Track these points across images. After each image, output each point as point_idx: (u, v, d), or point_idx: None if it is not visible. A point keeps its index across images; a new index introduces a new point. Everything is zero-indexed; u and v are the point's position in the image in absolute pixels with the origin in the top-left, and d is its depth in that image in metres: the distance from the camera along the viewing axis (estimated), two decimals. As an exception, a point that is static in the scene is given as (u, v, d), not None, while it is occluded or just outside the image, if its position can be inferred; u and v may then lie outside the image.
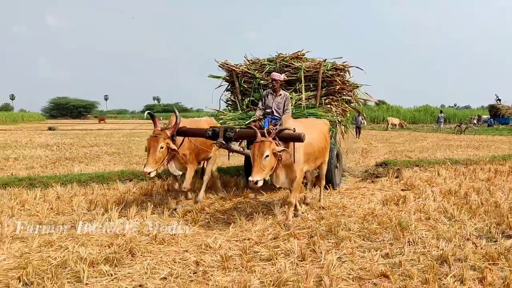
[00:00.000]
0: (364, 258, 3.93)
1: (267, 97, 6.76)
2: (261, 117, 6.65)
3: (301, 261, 3.87)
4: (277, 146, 4.76)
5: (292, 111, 6.90)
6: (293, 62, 7.69)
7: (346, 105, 7.87)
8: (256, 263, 3.82)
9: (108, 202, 5.83)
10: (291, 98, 7.09)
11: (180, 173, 5.89)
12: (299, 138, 4.91)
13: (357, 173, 8.84)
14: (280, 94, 6.66)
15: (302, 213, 5.67)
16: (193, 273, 3.62)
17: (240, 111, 7.63)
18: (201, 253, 4.07)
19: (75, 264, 3.67)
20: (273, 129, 4.92)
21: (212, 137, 5.54)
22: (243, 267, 3.71)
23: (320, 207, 5.91)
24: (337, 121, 7.48)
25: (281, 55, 7.93)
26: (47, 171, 9.27)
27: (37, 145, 16.67)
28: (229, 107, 8.19)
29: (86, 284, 3.39)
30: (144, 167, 5.16)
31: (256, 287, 3.34)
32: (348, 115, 8.05)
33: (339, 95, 7.66)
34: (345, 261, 3.87)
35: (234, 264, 3.80)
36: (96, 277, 3.51)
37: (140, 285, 3.40)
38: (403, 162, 9.97)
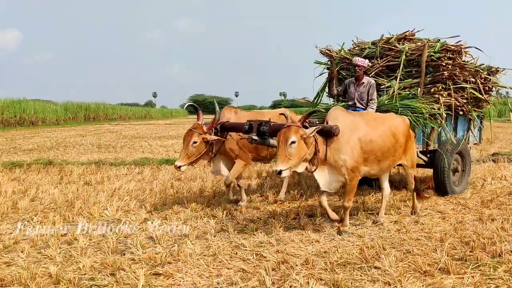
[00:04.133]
0: None
1: (349, 86, 6.22)
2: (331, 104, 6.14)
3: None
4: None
5: (383, 101, 6.20)
6: (396, 45, 6.66)
7: (477, 95, 6.66)
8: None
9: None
10: (390, 87, 6.34)
11: (225, 173, 5.72)
12: (329, 131, 4.44)
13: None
14: (363, 82, 6.05)
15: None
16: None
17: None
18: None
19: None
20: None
21: (249, 131, 5.04)
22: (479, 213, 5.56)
23: (414, 213, 5.43)
24: (456, 114, 6.50)
25: (385, 36, 6.93)
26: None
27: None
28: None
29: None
30: (176, 161, 5.20)
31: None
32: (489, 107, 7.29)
33: (453, 82, 6.38)
34: None
35: (470, 210, 5.68)
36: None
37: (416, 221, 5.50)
38: None
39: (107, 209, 5.62)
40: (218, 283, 3.43)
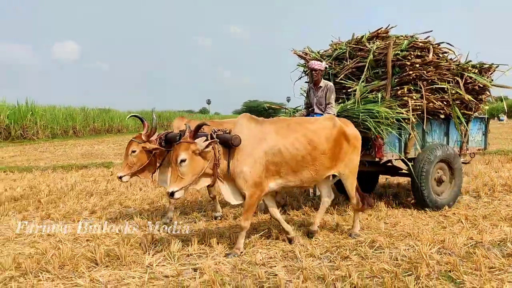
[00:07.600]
0: None
1: (309, 92, 5.95)
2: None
3: None
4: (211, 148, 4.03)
5: (346, 106, 5.81)
6: (366, 44, 6.26)
7: (463, 95, 6.11)
8: None
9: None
10: (355, 91, 5.84)
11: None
12: (226, 141, 4.10)
13: None
14: (321, 86, 5.73)
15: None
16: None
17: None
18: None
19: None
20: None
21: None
22: None
23: (351, 234, 4.93)
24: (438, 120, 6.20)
25: (357, 35, 6.58)
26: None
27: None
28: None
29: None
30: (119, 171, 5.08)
31: None
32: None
33: (428, 82, 5.90)
34: None
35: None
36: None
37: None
38: None
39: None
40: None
